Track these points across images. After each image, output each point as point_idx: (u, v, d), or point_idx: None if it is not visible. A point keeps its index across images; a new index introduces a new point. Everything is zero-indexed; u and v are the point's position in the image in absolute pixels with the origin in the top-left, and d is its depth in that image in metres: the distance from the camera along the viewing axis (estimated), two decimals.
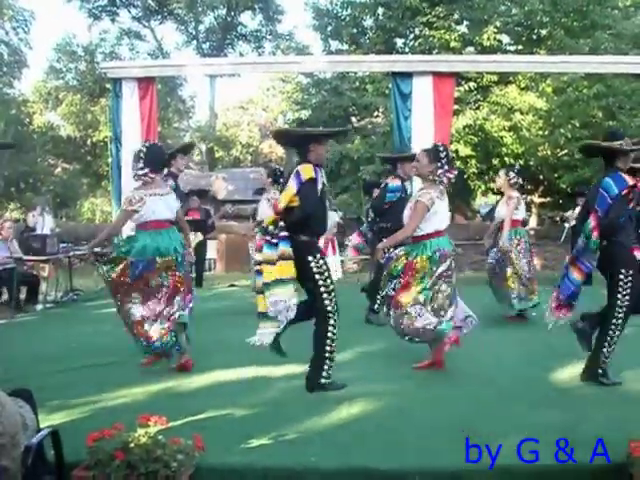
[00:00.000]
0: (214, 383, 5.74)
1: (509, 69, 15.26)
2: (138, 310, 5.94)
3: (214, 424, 4.53)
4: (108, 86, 16.18)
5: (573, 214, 13.54)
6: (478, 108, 20.14)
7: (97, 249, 6.61)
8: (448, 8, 20.67)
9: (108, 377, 5.90)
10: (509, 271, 8.49)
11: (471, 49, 21.02)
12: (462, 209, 26.69)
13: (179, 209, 6.49)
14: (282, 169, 9.58)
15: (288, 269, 5.31)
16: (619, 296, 5.49)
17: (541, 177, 21.83)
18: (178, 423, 4.33)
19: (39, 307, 10.48)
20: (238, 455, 4.01)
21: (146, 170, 6.03)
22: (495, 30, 20.36)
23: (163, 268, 5.96)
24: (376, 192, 9.46)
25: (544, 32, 21.04)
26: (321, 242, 12.59)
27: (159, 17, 31.85)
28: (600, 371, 5.60)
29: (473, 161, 20.10)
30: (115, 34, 31.02)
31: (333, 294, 5.46)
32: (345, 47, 23.90)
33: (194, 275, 12.37)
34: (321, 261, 5.41)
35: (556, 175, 19.96)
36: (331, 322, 5.43)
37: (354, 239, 9.77)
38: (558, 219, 23.85)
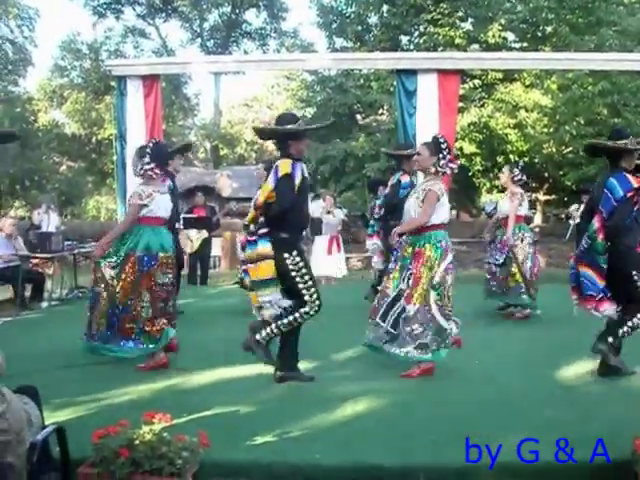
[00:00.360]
0: (219, 380, 5.74)
1: (514, 66, 15.24)
2: (149, 312, 6.01)
3: (219, 421, 4.54)
4: (113, 84, 16.23)
5: (578, 211, 13.51)
6: (483, 105, 20.14)
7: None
8: (453, 5, 20.68)
9: (113, 374, 5.91)
10: (514, 267, 8.47)
11: (476, 46, 21.03)
12: (467, 206, 26.70)
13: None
14: None
15: (268, 269, 5.41)
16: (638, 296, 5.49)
17: (546, 174, 21.82)
18: (183, 420, 4.34)
19: (44, 305, 10.48)
20: (243, 452, 4.02)
21: (152, 165, 6.10)
22: (500, 27, 20.38)
23: (165, 264, 6.05)
24: (381, 190, 9.42)
25: (549, 29, 21.03)
26: (326, 240, 12.83)
27: (164, 15, 31.88)
28: (614, 363, 5.60)
29: (478, 158, 20.12)
30: (120, 32, 31.15)
31: (313, 290, 5.51)
32: (350, 44, 23.92)
33: (199, 273, 12.45)
34: (297, 258, 5.43)
35: (561, 172, 19.94)
36: (304, 309, 5.48)
37: (372, 243, 9.48)
38: (563, 216, 23.83)
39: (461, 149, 19.10)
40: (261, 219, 5.48)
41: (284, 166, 5.38)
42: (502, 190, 21.48)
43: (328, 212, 13.08)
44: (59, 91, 29.33)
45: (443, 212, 5.89)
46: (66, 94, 28.86)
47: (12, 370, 5.80)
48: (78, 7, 52.41)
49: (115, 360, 6.28)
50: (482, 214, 26.26)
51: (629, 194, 5.46)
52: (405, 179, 8.41)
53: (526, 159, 20.52)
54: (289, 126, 5.53)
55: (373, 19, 23.46)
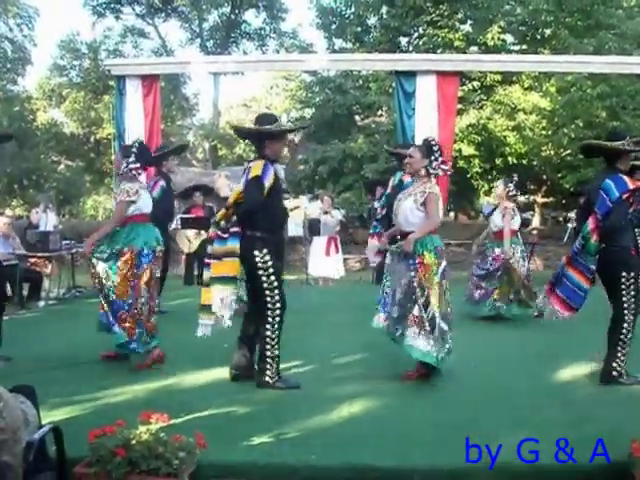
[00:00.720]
0: (216, 381, 5.74)
1: (513, 69, 15.26)
2: (146, 309, 6.12)
3: (216, 422, 4.54)
4: (112, 83, 16.24)
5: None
6: (482, 107, 20.14)
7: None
8: (452, 7, 20.69)
9: (110, 374, 5.91)
10: (505, 279, 8.66)
11: (475, 48, 21.03)
12: (465, 208, 26.71)
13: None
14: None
15: (232, 267, 5.49)
16: (624, 299, 5.50)
17: (544, 177, 21.84)
18: (180, 420, 4.35)
19: (41, 304, 10.48)
20: (239, 452, 4.02)
21: (137, 165, 6.22)
22: (499, 29, 20.37)
23: (159, 257, 6.30)
24: (379, 190, 9.42)
25: (548, 32, 21.03)
26: (324, 241, 12.84)
27: (163, 15, 31.82)
28: (616, 373, 5.60)
29: (476, 160, 20.11)
30: (119, 31, 31.06)
31: (276, 292, 5.47)
32: (349, 45, 23.92)
33: (196, 272, 12.43)
34: (267, 257, 5.43)
35: (559, 175, 19.94)
36: (269, 320, 5.46)
37: (373, 245, 9.48)
38: (561, 219, 23.85)
39: (460, 151, 19.10)
40: (234, 218, 5.52)
41: (255, 168, 5.41)
42: None
43: (326, 213, 13.09)
44: (58, 90, 29.28)
45: (440, 214, 5.91)
46: (65, 93, 28.82)
47: (9, 369, 5.83)
48: (77, 6, 52.29)
49: (112, 360, 6.29)
50: (480, 216, 26.34)
51: (624, 195, 5.47)
52: (407, 179, 8.41)
53: (524, 161, 20.58)
54: (267, 126, 5.54)
55: (372, 20, 23.46)
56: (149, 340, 6.14)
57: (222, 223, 5.52)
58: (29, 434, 3.01)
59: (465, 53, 19.74)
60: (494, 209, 9.13)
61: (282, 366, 6.09)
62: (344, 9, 23.70)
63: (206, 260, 5.71)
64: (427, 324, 5.55)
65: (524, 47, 21.66)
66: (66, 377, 5.83)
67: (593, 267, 5.59)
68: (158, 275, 6.26)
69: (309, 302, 10.43)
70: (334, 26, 23.94)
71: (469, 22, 22.00)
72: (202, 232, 12.05)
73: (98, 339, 6.56)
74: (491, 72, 18.82)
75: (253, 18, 33.52)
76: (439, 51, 20.05)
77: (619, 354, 5.57)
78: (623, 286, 5.49)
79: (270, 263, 5.44)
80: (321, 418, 4.69)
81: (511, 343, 7.49)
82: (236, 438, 4.21)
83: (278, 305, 5.48)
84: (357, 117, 24.81)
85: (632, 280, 5.50)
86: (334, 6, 23.96)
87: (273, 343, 5.49)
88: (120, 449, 3.40)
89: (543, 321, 8.18)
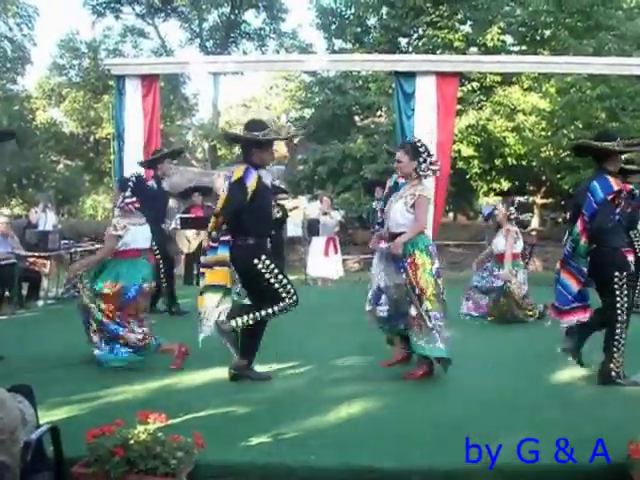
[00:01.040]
0: (214, 381, 5.73)
1: (512, 69, 15.23)
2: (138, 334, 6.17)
3: (214, 422, 4.53)
4: (111, 83, 16.21)
5: None
6: (481, 108, 20.16)
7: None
8: (452, 8, 20.71)
9: (108, 373, 5.90)
10: (502, 299, 8.75)
11: (475, 49, 21.05)
12: (464, 209, 26.73)
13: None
14: None
15: (223, 275, 5.58)
16: (617, 298, 5.50)
17: (543, 178, 21.86)
18: (178, 420, 4.34)
19: (40, 303, 10.47)
20: (238, 453, 4.01)
21: (133, 199, 6.29)
22: (499, 30, 20.40)
23: (146, 294, 6.33)
24: (378, 191, 9.42)
25: (548, 33, 21.06)
26: (323, 241, 12.84)
27: (163, 14, 31.85)
28: (614, 374, 5.59)
29: (476, 161, 20.13)
30: (119, 31, 31.12)
31: (289, 287, 5.56)
32: (349, 46, 23.94)
33: (195, 272, 12.43)
34: (267, 261, 5.49)
35: (559, 176, 19.95)
36: (282, 304, 5.54)
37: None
38: (560, 220, 23.86)
39: (459, 152, 19.12)
40: (224, 227, 5.58)
41: (237, 172, 5.49)
42: (499, 193, 21.57)
43: (325, 213, 13.08)
44: (57, 89, 29.28)
45: (428, 218, 5.94)
46: (64, 93, 28.83)
47: (7, 369, 5.82)
48: (77, 6, 52.30)
49: None
50: (479, 217, 26.41)
51: (610, 197, 5.47)
52: (402, 180, 8.41)
53: (524, 162, 20.60)
54: (255, 133, 5.57)
55: (372, 21, 23.48)
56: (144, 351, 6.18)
57: (214, 233, 5.60)
58: (27, 434, 3.01)
59: (465, 54, 19.74)
60: (494, 209, 9.17)
61: (281, 366, 6.12)
62: (344, 10, 23.73)
63: (201, 269, 5.84)
64: (427, 321, 5.57)
65: (524, 48, 21.69)
66: (64, 376, 5.83)
67: (585, 269, 5.60)
68: (146, 305, 6.32)
69: (308, 302, 10.36)
70: (334, 26, 23.96)
71: (469, 23, 22.03)
72: (201, 232, 12.06)
73: None
74: (490, 73, 18.83)
75: (253, 18, 33.59)
76: (439, 52, 20.07)
77: (615, 355, 5.57)
78: (616, 286, 5.50)
79: (272, 265, 5.50)
80: (319, 418, 4.68)
81: (507, 344, 7.49)
82: (234, 438, 4.20)
83: (295, 297, 5.60)
84: (356, 117, 24.82)
85: (624, 280, 5.51)
86: (334, 7, 23.99)
87: (269, 316, 5.59)
88: (118, 449, 3.40)
89: (539, 322, 8.22)
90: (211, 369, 5.97)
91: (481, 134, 19.73)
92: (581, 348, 5.95)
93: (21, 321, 9.08)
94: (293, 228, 14.99)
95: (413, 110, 11.30)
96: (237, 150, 36.46)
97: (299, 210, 17.86)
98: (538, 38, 21.65)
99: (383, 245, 5.92)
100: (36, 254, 10.69)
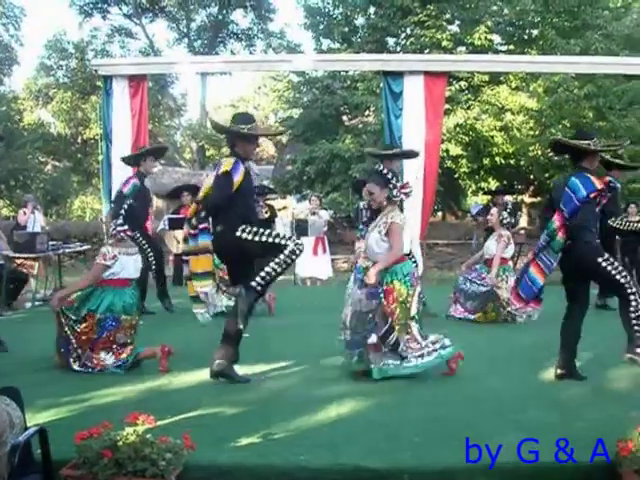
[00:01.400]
0: (204, 382, 5.71)
1: (500, 69, 15.30)
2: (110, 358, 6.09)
3: (203, 423, 4.52)
4: (99, 83, 16.13)
5: None
6: (469, 108, 20.19)
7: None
8: (440, 7, 20.72)
9: (97, 375, 5.88)
10: (489, 305, 8.76)
11: (462, 49, 21.09)
12: (452, 208, 26.79)
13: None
14: None
15: (207, 263, 5.77)
16: (617, 277, 5.55)
17: (531, 177, 21.94)
18: (167, 422, 4.32)
19: (28, 305, 10.42)
20: (227, 454, 4.00)
21: (125, 227, 6.31)
22: (486, 30, 20.43)
23: (127, 327, 6.16)
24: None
25: (535, 32, 21.13)
26: (311, 241, 12.82)
27: (150, 15, 31.74)
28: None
29: (464, 161, 20.17)
30: (106, 31, 30.93)
31: (284, 235, 5.67)
32: (337, 46, 23.91)
33: (185, 274, 12.38)
34: (248, 228, 5.50)
35: (546, 175, 20.03)
36: (288, 249, 5.51)
37: (358, 247, 9.53)
38: None
39: (447, 151, 19.14)
40: (202, 213, 5.63)
41: (226, 164, 5.52)
42: (487, 192, 21.63)
43: (314, 213, 13.07)
44: (45, 90, 29.12)
45: (405, 244, 5.92)
46: (52, 93, 28.67)
47: None
48: (64, 6, 52.12)
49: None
50: (468, 216, 26.46)
51: (592, 195, 5.52)
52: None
53: (512, 161, 20.65)
54: (242, 126, 5.63)
55: (360, 21, 23.48)
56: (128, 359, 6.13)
57: (193, 220, 5.64)
58: (14, 437, 2.99)
59: (452, 53, 19.79)
60: (482, 208, 9.21)
61: (270, 367, 6.10)
62: (332, 9, 23.72)
63: (184, 257, 6.05)
64: (388, 345, 5.63)
65: (511, 47, 21.75)
66: (52, 378, 5.80)
67: (554, 263, 5.64)
68: (127, 341, 6.16)
69: (297, 303, 10.43)
70: (322, 26, 23.93)
71: (456, 22, 22.06)
72: None
73: None
74: (478, 72, 18.87)
75: (241, 18, 33.40)
76: (427, 51, 20.09)
77: (637, 327, 5.56)
78: (609, 267, 5.54)
79: (256, 229, 5.51)
80: (310, 419, 4.68)
81: (500, 344, 7.50)
82: (224, 439, 4.19)
83: (296, 240, 5.63)
84: (345, 117, 24.82)
85: (611, 259, 5.59)
86: (322, 6, 23.97)
87: (281, 265, 5.51)
88: (107, 451, 3.38)
89: (539, 321, 8.23)
90: (200, 370, 5.94)
91: (469, 133, 19.76)
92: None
93: (8, 323, 9.02)
94: (281, 228, 14.96)
95: (401, 109, 11.34)
96: (225, 150, 36.49)
97: (287, 210, 17.85)
98: (526, 37, 21.73)
99: (361, 261, 5.99)
100: (24, 255, 10.63)
